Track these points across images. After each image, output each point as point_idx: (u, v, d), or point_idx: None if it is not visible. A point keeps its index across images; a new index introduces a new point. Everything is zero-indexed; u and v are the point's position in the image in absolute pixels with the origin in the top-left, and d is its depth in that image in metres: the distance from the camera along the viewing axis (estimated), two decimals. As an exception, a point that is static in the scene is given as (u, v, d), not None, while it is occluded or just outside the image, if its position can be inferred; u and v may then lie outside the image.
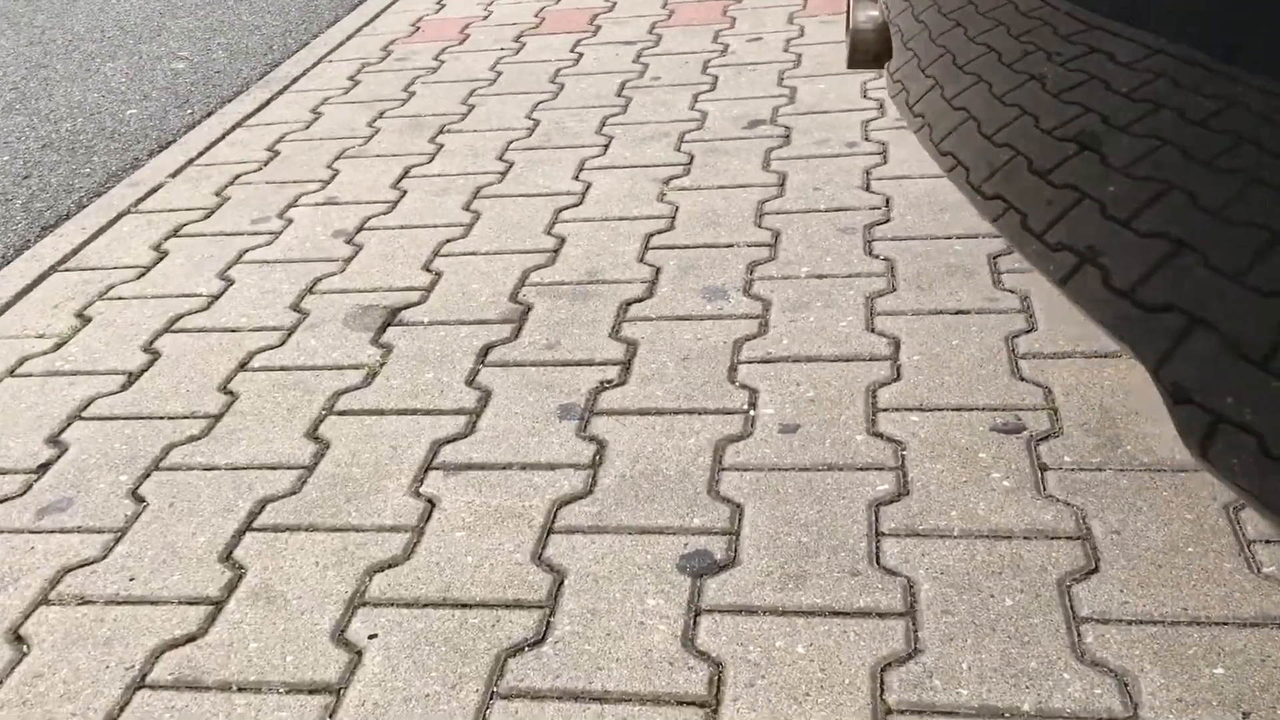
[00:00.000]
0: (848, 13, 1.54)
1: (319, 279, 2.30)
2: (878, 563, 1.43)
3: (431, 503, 1.63)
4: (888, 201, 2.34)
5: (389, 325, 2.10)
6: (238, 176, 2.83)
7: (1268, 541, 1.37)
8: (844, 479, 1.58)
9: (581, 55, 3.44)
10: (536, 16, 3.87)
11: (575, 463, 1.68)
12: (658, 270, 2.19)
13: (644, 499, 1.59)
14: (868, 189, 2.41)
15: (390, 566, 1.52)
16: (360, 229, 2.49)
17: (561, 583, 1.46)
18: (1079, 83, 1.17)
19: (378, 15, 4.08)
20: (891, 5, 1.41)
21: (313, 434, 1.82)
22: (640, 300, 2.09)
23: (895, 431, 1.66)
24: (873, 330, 1.91)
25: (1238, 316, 0.87)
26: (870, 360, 1.83)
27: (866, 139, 2.65)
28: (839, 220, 2.29)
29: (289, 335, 2.11)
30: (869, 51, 1.47)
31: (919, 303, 1.97)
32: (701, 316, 2.01)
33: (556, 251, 2.30)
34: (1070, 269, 1.17)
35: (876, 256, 2.14)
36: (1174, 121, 1.03)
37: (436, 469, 1.70)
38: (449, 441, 1.76)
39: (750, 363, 1.87)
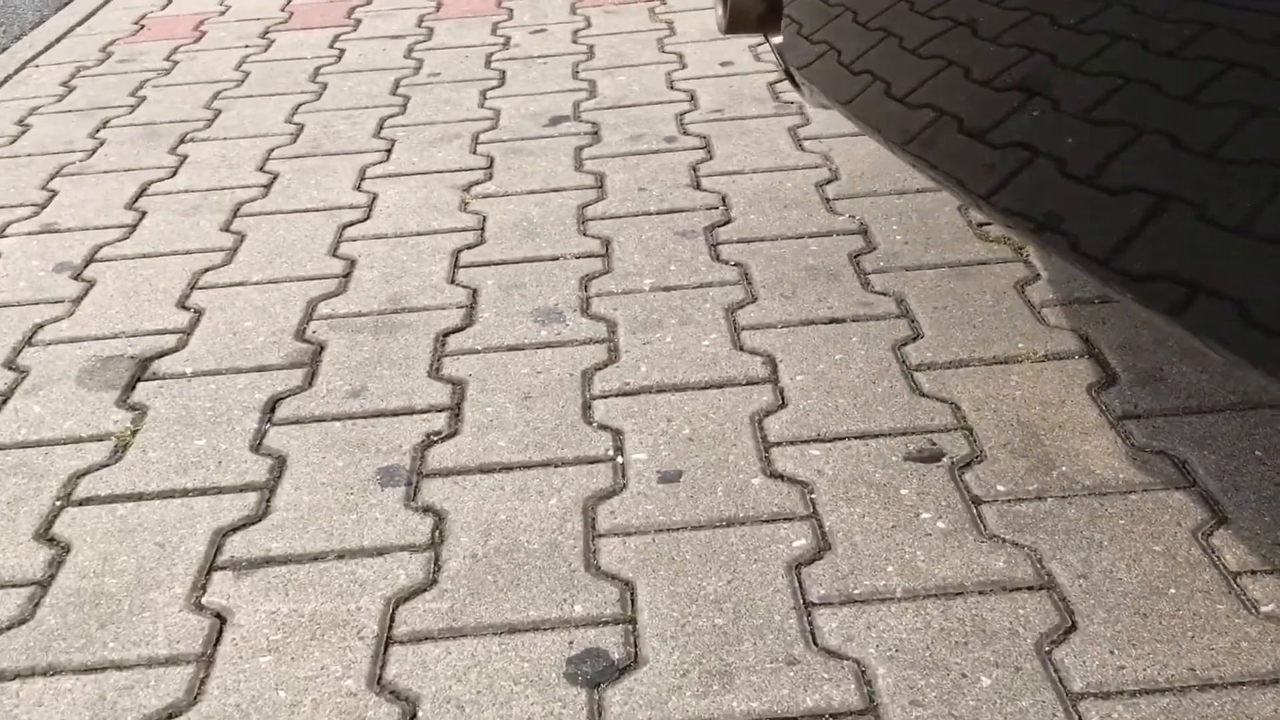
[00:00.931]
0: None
1: (39, 326, 1.82)
2: (815, 644, 1.14)
3: (221, 617, 1.23)
4: (724, 200, 2.08)
5: (139, 380, 1.66)
6: (-77, 203, 2.28)
7: (1254, 573, 1.18)
8: (749, 536, 1.29)
9: (343, 52, 3.03)
10: (284, 11, 3.41)
11: (410, 543, 1.32)
12: (474, 292, 1.84)
13: (506, 585, 1.25)
14: (698, 187, 2.14)
15: (171, 718, 1.12)
16: (90, 260, 2.02)
17: (414, 716, 1.10)
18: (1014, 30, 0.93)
19: (92, 14, 3.52)
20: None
21: (45, 535, 1.37)
22: (459, 330, 1.74)
23: (796, 470, 1.39)
24: (741, 348, 1.64)
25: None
26: (747, 385, 1.56)
27: (685, 132, 2.38)
28: (674, 223, 2.01)
29: (4, 402, 1.64)
30: (751, 11, 1.20)
31: (786, 313, 1.71)
32: (537, 344, 1.68)
33: (347, 276, 1.91)
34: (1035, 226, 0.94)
35: (726, 262, 1.87)
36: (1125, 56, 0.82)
37: (223, 569, 1.30)
38: (236, 529, 1.36)
39: (606, 397, 1.55)
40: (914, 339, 1.63)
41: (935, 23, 0.98)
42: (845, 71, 1.09)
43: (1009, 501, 1.31)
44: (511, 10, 3.28)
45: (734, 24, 1.20)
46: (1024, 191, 0.95)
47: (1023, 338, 1.60)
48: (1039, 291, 1.71)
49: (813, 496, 1.34)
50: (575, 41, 2.98)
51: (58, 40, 3.28)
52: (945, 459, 1.38)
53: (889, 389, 1.52)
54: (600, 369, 1.61)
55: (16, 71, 3.05)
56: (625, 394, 1.56)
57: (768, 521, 1.31)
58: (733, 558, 1.26)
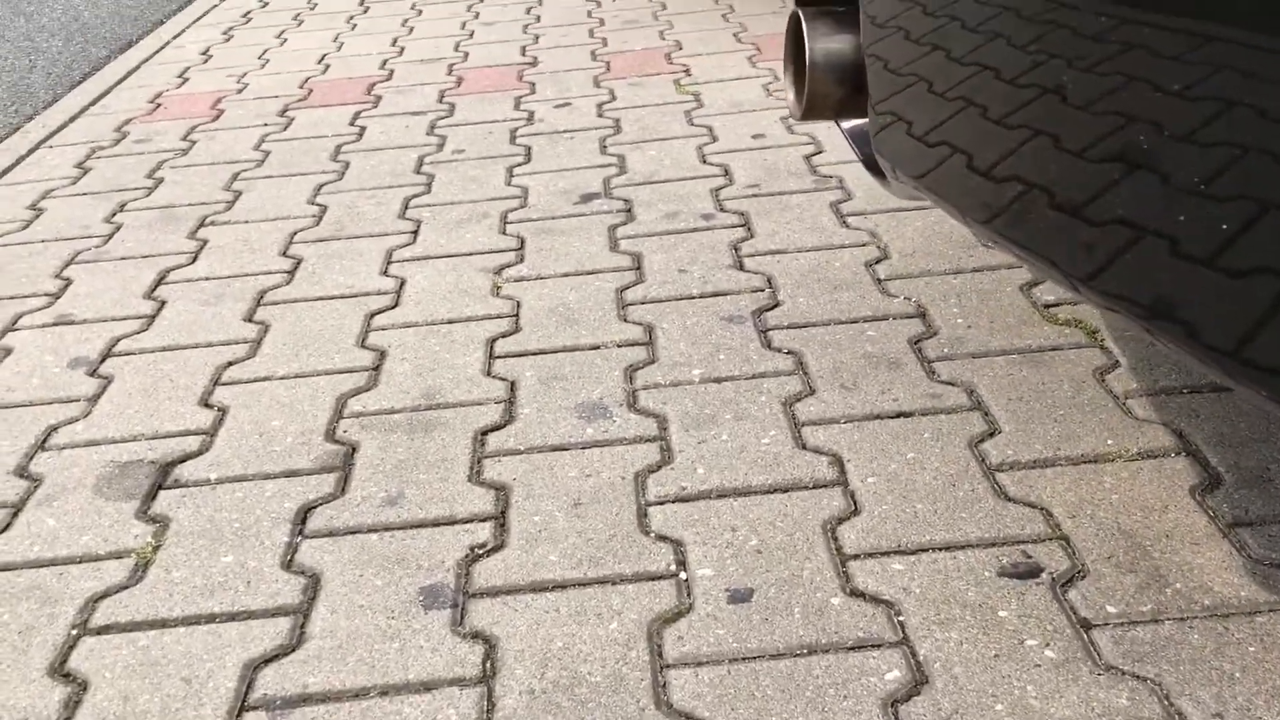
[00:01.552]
0: (792, 50, 1.16)
1: (53, 428, 1.72)
2: (922, 796, 1.02)
3: (255, 766, 1.11)
4: (770, 281, 1.98)
5: (160, 488, 1.55)
6: (-67, 294, 2.19)
7: (1407, 706, 1.06)
8: (835, 666, 1.17)
9: (364, 129, 2.96)
10: (302, 88, 3.35)
11: (459, 676, 1.20)
12: (512, 385, 1.73)
13: (568, 726, 1.13)
14: (741, 268, 2.04)
15: None
16: (107, 355, 1.92)
17: None
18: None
19: (106, 92, 3.46)
20: (869, 31, 1.04)
21: (60, 669, 1.26)
22: (499, 428, 1.63)
23: (879, 587, 1.27)
24: (804, 446, 1.52)
25: None
26: (814, 488, 1.44)
27: (722, 209, 2.29)
28: (719, 307, 1.91)
29: (15, 515, 1.53)
30: (830, 96, 1.10)
31: (848, 406, 1.61)
32: (583, 444, 1.58)
33: (377, 369, 1.81)
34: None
35: (778, 350, 1.77)
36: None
37: (256, 709, 1.18)
38: (269, 661, 1.24)
39: (663, 503, 1.44)
40: (991, 435, 1.51)
41: (1043, 100, 0.88)
42: (941, 156, 0.99)
43: (1122, 625, 1.19)
44: (534, 84, 3.21)
45: (811, 110, 1.11)
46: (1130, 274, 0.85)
47: (1111, 433, 1.49)
48: (1121, 380, 1.60)
49: (901, 619, 1.22)
50: (601, 115, 2.91)
51: (71, 120, 3.22)
52: (1044, 574, 1.26)
53: (971, 493, 1.41)
54: (654, 471, 1.50)
55: (29, 153, 2.98)
56: (683, 500, 1.44)
57: (854, 649, 1.19)
58: (819, 693, 1.14)
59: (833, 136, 2.63)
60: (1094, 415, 1.53)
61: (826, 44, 1.09)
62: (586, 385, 1.72)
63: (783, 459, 1.51)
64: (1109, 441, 1.47)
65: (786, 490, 1.45)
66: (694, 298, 1.96)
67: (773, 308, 1.90)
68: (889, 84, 1.01)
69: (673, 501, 1.44)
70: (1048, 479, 1.42)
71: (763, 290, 1.95)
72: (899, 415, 1.58)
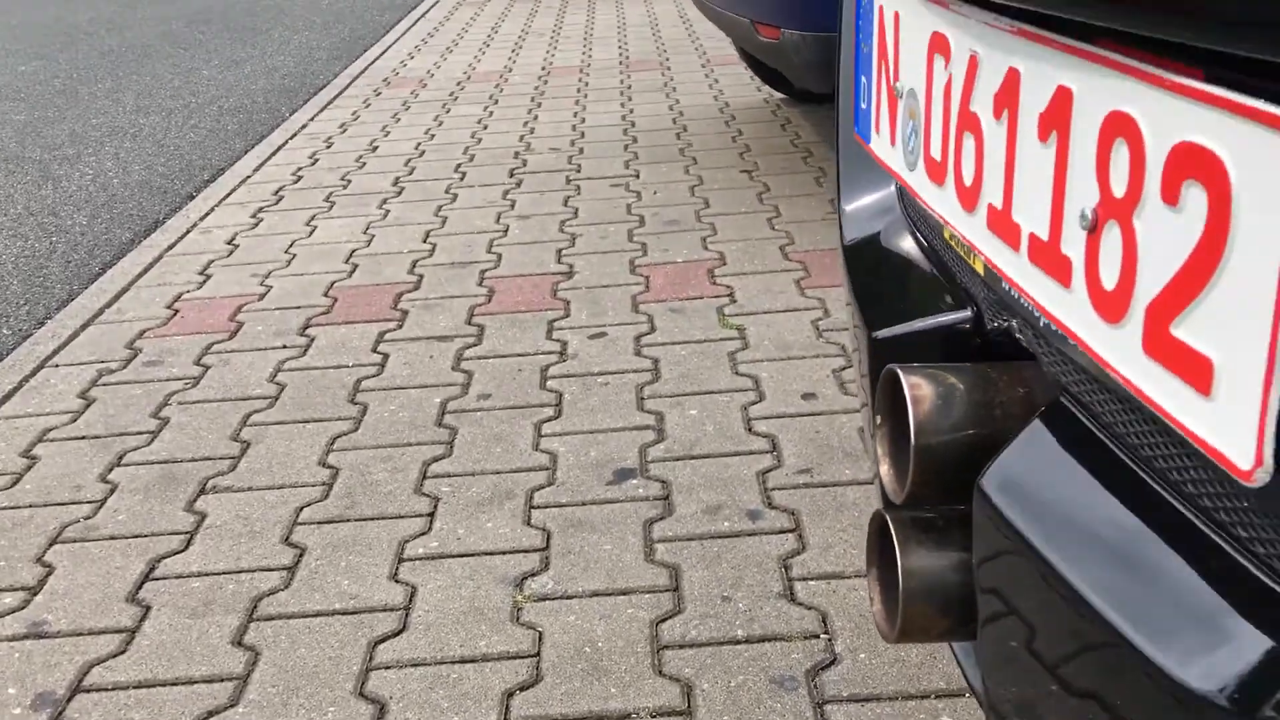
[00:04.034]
0: (877, 557, 0.95)
1: (3, 803, 1.50)
2: None
3: None
4: (824, 622, 1.75)
5: None
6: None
7: None
8: None
9: (386, 357, 2.78)
10: (327, 296, 3.20)
11: None
12: (528, 774, 1.50)
13: None
14: (792, 598, 1.82)
15: None
16: (75, 690, 1.70)
17: None
18: None
19: (124, 290, 3.32)
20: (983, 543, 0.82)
21: None
22: None
23: None
24: None
25: None
26: None
27: (770, 504, 2.07)
28: (768, 659, 1.68)
29: None
30: (933, 627, 0.89)
31: (921, 840, 1.37)
32: None
33: (374, 737, 1.59)
34: None
35: (837, 737, 1.53)
36: None
37: None
38: None
39: None
40: None
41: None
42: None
43: None
44: (568, 302, 3.04)
45: (907, 634, 0.90)
46: None
47: None
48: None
49: None
50: (639, 353, 2.72)
51: (83, 327, 3.07)
52: None
53: None
54: None
55: (34, 372, 2.82)
56: None
57: None
58: None
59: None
60: None
61: (925, 562, 0.88)
62: (613, 777, 1.49)
63: None
64: None
65: None
66: (739, 642, 1.73)
67: (829, 665, 1.66)
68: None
69: None
70: None
71: (816, 638, 1.72)
72: None
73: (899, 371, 0.87)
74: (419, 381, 2.65)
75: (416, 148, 4.74)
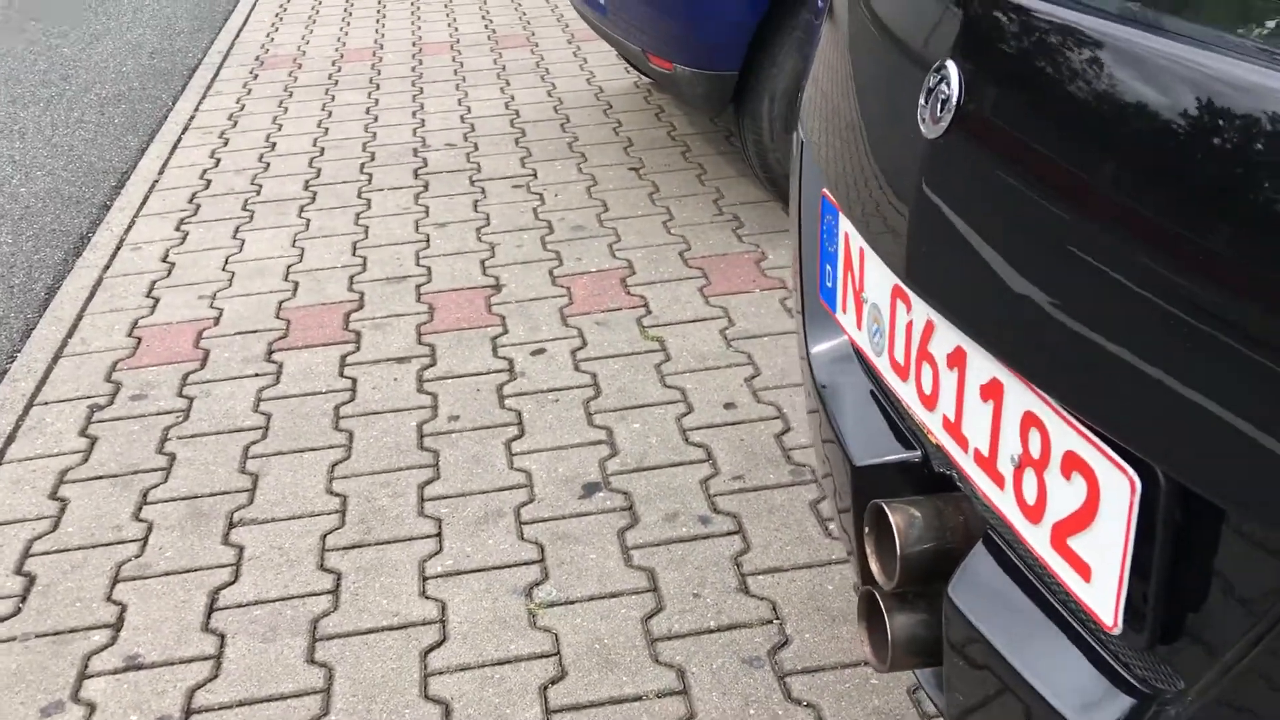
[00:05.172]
0: (870, 623, 1.46)
1: (164, 810, 1.91)
2: None
3: None
4: (775, 610, 2.29)
5: None
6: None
7: None
8: None
9: (355, 382, 3.16)
10: (279, 319, 3.53)
11: None
12: (576, 749, 2.00)
13: None
14: (747, 591, 2.35)
15: None
16: (188, 713, 2.11)
17: None
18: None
19: (80, 317, 3.57)
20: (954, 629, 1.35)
21: None
22: (577, 807, 1.89)
23: None
24: (841, 825, 1.84)
25: None
26: None
27: (715, 510, 2.59)
28: (738, 645, 2.21)
29: None
30: (915, 661, 1.41)
31: (869, 773, 1.93)
32: (653, 825, 1.85)
33: (450, 731, 2.05)
34: None
35: (799, 702, 2.08)
36: None
37: None
38: None
39: None
40: (990, 807, 1.85)
41: None
42: None
43: None
44: (504, 318, 3.46)
45: (894, 668, 1.41)
46: None
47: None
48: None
49: None
50: (578, 369, 3.18)
51: (54, 360, 3.33)
52: None
53: None
54: None
55: (26, 412, 3.09)
56: None
57: None
58: None
59: (795, 408, 2.95)
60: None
61: (906, 626, 1.40)
62: (639, 746, 2.00)
63: (826, 841, 1.81)
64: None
65: None
66: (712, 631, 2.25)
67: (784, 645, 2.21)
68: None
69: None
70: None
71: (771, 623, 2.26)
72: (912, 783, 1.91)
73: (884, 506, 1.37)
74: (391, 405, 3.05)
75: (315, 144, 5.00)
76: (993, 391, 1.19)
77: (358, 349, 3.33)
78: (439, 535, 2.55)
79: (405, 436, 2.91)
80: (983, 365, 1.20)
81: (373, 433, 2.94)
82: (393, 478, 2.76)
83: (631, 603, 2.33)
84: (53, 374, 3.27)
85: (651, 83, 5.62)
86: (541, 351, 3.28)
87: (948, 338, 1.27)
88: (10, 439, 2.98)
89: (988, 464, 1.22)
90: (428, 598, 2.37)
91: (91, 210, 4.54)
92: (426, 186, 4.48)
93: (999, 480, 1.21)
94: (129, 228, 4.23)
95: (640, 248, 3.89)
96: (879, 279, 1.44)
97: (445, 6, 7.39)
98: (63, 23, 7.42)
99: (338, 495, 2.70)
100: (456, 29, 6.82)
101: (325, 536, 2.56)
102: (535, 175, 4.54)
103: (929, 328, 1.31)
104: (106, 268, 3.92)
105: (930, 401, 1.33)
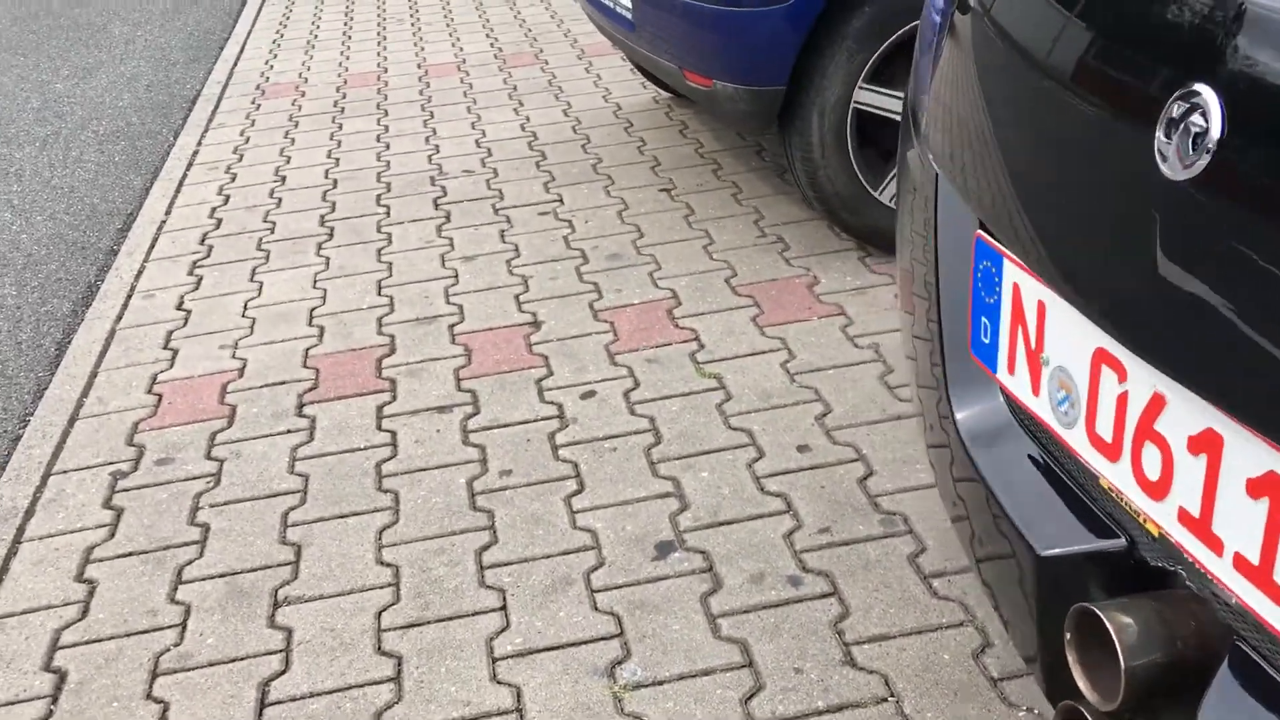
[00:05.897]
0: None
1: None
2: None
3: None
4: (888, 684, 2.08)
5: None
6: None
7: None
8: None
9: (394, 435, 2.94)
10: (307, 367, 3.31)
11: None
12: None
13: None
14: (854, 664, 2.13)
15: None
16: (245, 825, 1.88)
17: None
18: None
19: (94, 375, 3.34)
20: None
21: None
22: None
23: None
24: None
25: None
26: None
27: (804, 568, 2.38)
28: (852, 727, 2.00)
29: None
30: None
31: None
32: None
33: (544, 844, 1.83)
34: None
35: (931, 794, 1.86)
36: None
37: None
38: None
39: None
40: None
41: None
42: None
43: None
44: (546, 358, 3.24)
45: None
46: None
47: None
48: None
49: None
50: (634, 413, 2.96)
51: (70, 424, 3.10)
52: None
53: None
54: None
55: (44, 482, 2.87)
56: None
57: None
58: None
59: (874, 448, 2.73)
60: None
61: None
62: None
63: None
64: None
65: None
66: (821, 713, 2.03)
67: (903, 726, 1.99)
68: None
69: None
70: None
71: (886, 700, 2.05)
72: None
73: (1098, 611, 1.16)
74: (437, 461, 2.83)
75: (326, 176, 4.78)
76: (1266, 488, 0.98)
77: (394, 398, 3.12)
78: (504, 608, 2.33)
79: (456, 495, 2.69)
80: (1250, 455, 0.99)
81: (420, 492, 2.71)
82: (447, 543, 2.54)
83: (726, 680, 2.11)
84: (70, 438, 3.05)
85: (671, 97, 5.42)
86: (592, 394, 3.06)
87: (1192, 417, 1.06)
88: (29, 513, 2.75)
89: (1259, 575, 1.01)
90: (500, 683, 2.15)
91: (98, 256, 4.32)
92: (448, 217, 4.26)
93: (1275, 594, 0.99)
94: (139, 274, 4.00)
95: (683, 275, 3.67)
96: (1073, 340, 1.23)
97: (447, 26, 7.18)
98: (53, 57, 7.20)
99: (389, 566, 2.48)
100: (461, 49, 6.61)
101: (380, 614, 2.34)
102: (561, 201, 4.32)
103: (1157, 402, 1.10)
104: (119, 318, 3.69)
105: (1158, 491, 1.12)
